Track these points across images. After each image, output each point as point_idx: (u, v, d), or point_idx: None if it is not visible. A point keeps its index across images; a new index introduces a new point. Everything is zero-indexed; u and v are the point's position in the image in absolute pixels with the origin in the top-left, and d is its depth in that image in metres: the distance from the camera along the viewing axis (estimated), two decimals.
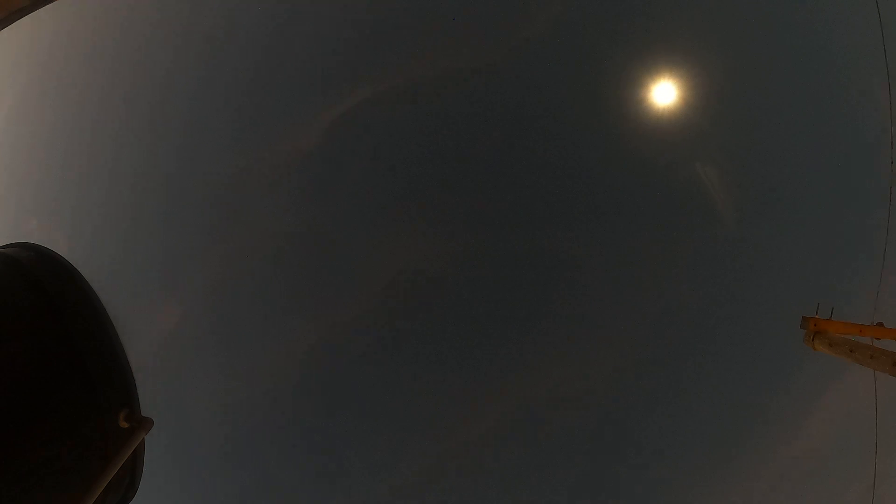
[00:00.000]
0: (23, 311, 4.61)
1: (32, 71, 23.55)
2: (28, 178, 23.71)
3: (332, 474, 23.67)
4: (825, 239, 21.95)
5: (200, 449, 23.72)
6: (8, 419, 3.99)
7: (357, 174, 23.46)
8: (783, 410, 22.14)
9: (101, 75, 23.86)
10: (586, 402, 23.60)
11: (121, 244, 23.52)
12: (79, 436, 4.58)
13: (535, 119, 23.08)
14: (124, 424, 4.97)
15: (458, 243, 23.84)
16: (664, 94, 21.18)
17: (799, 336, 8.99)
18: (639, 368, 23.44)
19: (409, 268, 23.80)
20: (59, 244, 22.26)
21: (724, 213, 22.35)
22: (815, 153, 21.78)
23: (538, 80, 22.90)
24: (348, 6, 22.64)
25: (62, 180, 23.58)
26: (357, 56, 22.87)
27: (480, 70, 22.72)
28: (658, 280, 23.23)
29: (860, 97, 20.62)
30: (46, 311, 4.73)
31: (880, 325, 8.18)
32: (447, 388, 23.85)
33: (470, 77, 22.81)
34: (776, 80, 21.62)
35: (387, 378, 23.78)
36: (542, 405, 23.77)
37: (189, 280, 23.86)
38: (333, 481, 23.66)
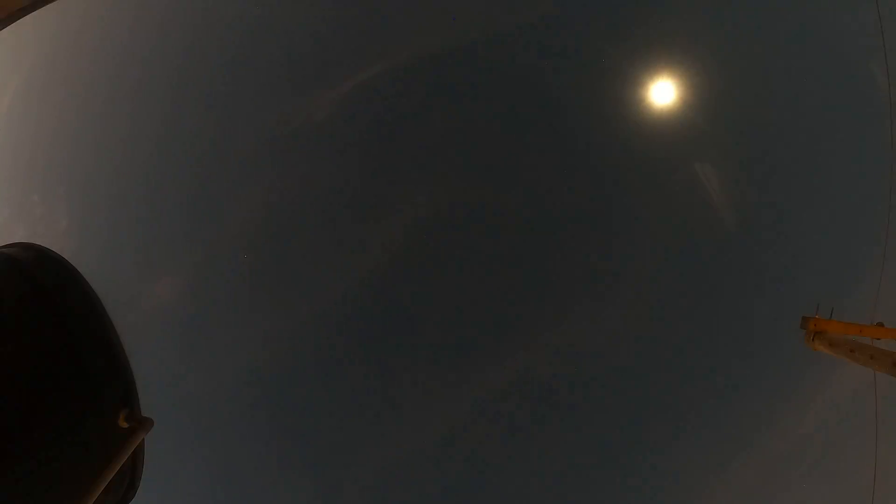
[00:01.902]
0: (23, 311, 4.61)
1: (32, 70, 23.72)
2: (28, 163, 24.30)
3: (329, 472, 23.68)
4: (825, 238, 21.95)
5: (200, 449, 23.73)
6: (7, 419, 3.99)
7: (349, 155, 23.60)
8: (783, 410, 22.16)
9: (101, 73, 23.97)
10: (586, 401, 23.61)
11: (118, 218, 23.99)
12: (79, 436, 4.58)
13: (532, 116, 23.10)
14: (124, 424, 4.96)
15: (451, 235, 23.91)
16: (662, 92, 21.19)
17: (799, 336, 9.00)
18: (637, 368, 23.44)
19: (403, 253, 23.92)
20: (59, 219, 22.93)
21: (723, 213, 22.36)
22: (814, 152, 21.79)
23: (536, 77, 22.90)
24: None
25: (61, 167, 24.15)
26: (347, 37, 23.00)
27: (475, 58, 22.78)
28: (657, 280, 23.23)
29: (860, 96, 20.63)
30: (46, 311, 4.72)
31: (880, 325, 8.20)
32: (443, 380, 23.89)
33: (464, 63, 22.87)
34: (776, 80, 21.63)
35: (384, 370, 23.82)
36: (542, 404, 23.77)
37: (182, 271, 24.06)
38: (332, 479, 23.68)
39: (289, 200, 23.76)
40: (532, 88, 22.86)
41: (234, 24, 23.35)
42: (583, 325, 23.69)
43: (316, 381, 24.04)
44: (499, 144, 23.23)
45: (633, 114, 21.91)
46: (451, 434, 23.53)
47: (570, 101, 22.89)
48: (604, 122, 22.56)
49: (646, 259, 23.18)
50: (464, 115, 23.31)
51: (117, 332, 5.18)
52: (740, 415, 22.45)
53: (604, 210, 23.34)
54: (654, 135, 21.82)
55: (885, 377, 7.84)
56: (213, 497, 23.69)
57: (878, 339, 8.06)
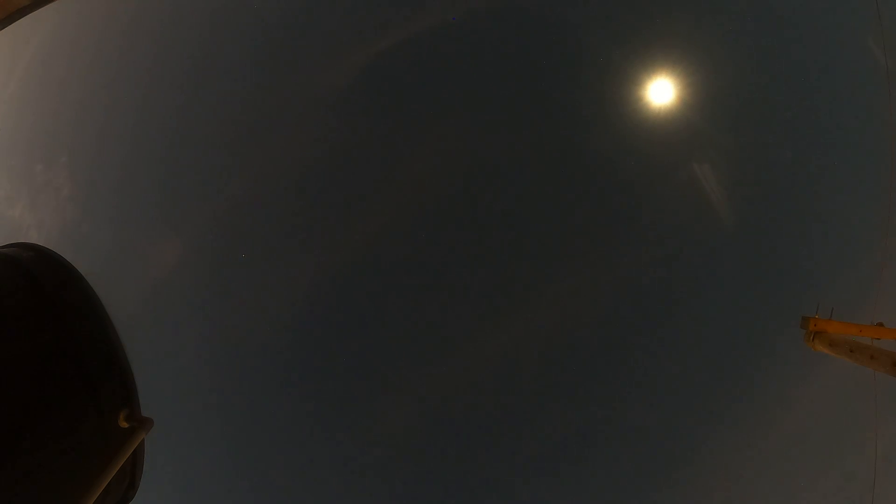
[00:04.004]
0: (23, 311, 4.60)
1: (32, 70, 23.77)
2: (32, 136, 24.52)
3: (329, 470, 23.71)
4: (825, 239, 21.95)
5: (200, 449, 23.74)
6: (7, 419, 3.98)
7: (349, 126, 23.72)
8: (782, 410, 22.16)
9: (102, 73, 24.02)
10: (587, 399, 23.62)
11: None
12: (79, 436, 4.57)
13: (531, 115, 23.11)
14: (124, 424, 4.95)
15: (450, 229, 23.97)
16: (661, 92, 21.16)
17: (799, 336, 8.99)
18: (637, 369, 23.45)
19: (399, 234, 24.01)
20: (61, 189, 23.49)
21: (723, 213, 22.36)
22: (814, 152, 21.79)
23: (535, 75, 22.92)
24: None
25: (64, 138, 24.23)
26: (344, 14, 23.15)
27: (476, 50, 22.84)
28: (657, 280, 23.23)
29: (860, 96, 20.63)
30: (46, 311, 4.72)
31: (880, 325, 8.19)
32: (445, 367, 23.92)
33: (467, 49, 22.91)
34: (775, 79, 21.62)
35: (381, 370, 23.85)
36: (543, 402, 23.78)
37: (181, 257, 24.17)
38: (331, 478, 23.70)
39: (286, 190, 23.94)
40: (529, 84, 22.89)
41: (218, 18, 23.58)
42: (581, 326, 23.73)
43: (316, 379, 24.07)
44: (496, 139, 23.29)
45: (634, 112, 21.92)
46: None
47: (568, 99, 22.91)
48: (605, 123, 22.58)
49: (646, 258, 23.19)
50: (461, 114, 23.36)
51: (117, 331, 5.19)
52: (739, 414, 22.47)
53: (603, 210, 23.35)
54: (653, 134, 21.84)
55: (885, 377, 7.84)
56: (213, 497, 23.69)
57: (878, 339, 8.05)
